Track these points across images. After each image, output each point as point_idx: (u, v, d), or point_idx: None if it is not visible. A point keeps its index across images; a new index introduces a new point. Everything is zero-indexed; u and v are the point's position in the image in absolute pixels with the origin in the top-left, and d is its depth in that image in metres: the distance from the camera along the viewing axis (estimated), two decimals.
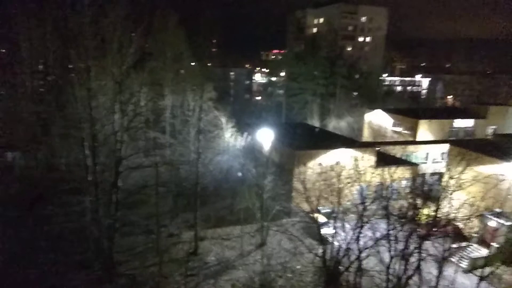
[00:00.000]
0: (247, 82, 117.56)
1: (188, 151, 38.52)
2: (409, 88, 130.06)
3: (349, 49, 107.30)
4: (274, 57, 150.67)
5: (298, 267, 29.07)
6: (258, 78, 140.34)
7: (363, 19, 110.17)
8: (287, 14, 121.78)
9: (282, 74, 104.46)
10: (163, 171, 37.94)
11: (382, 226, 23.24)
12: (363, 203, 23.91)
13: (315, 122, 68.03)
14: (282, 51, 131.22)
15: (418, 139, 51.98)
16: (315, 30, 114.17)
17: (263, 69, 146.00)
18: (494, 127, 55.56)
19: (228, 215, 36.15)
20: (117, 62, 25.61)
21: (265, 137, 41.07)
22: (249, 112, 73.73)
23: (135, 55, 27.31)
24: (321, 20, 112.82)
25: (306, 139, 43.21)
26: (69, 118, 29.16)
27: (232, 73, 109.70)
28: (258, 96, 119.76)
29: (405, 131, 55.04)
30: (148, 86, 41.82)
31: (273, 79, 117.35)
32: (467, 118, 55.86)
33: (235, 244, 31.83)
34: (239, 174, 38.42)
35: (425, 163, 45.30)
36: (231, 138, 41.22)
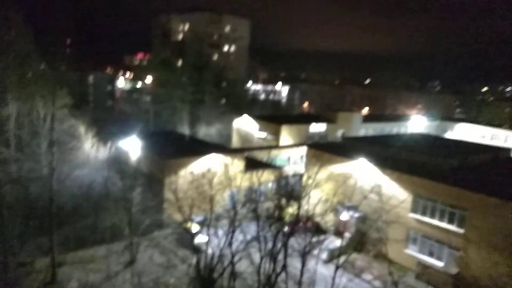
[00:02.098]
0: (109, 87, 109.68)
1: (39, 166, 33.82)
2: (271, 96, 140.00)
3: (215, 57, 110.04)
4: (139, 61, 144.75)
5: (172, 280, 28.09)
6: (122, 83, 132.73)
7: (227, 28, 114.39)
8: (152, 17, 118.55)
9: (149, 79, 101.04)
10: (8, 190, 32.40)
11: (252, 228, 24.12)
12: (234, 207, 24.48)
13: (185, 130, 67.43)
14: (148, 56, 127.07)
15: (280, 143, 56.05)
16: (181, 36, 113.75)
17: (127, 74, 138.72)
18: (342, 130, 63.59)
19: (91, 235, 32.75)
20: None
21: (132, 146, 38.84)
22: (112, 120, 68.74)
23: None
24: (187, 26, 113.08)
25: (176, 147, 42.38)
26: None
27: (91, 78, 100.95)
28: (122, 103, 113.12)
29: (270, 136, 58.79)
30: None
31: (139, 85, 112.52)
32: (321, 123, 62.69)
33: (101, 266, 29.06)
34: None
35: (288, 165, 49.03)
36: (92, 149, 37.73)
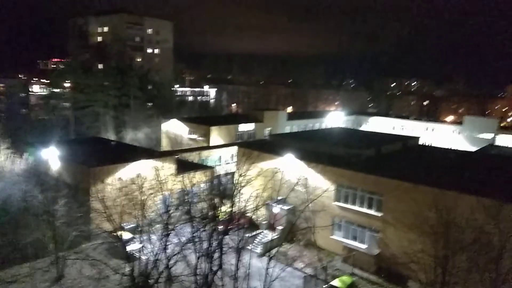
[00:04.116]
0: (23, 95, 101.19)
1: None
2: (199, 98, 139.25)
3: (139, 60, 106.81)
4: (55, 66, 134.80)
5: None
6: (37, 90, 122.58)
7: (150, 31, 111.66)
8: (68, 20, 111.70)
9: (67, 85, 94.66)
10: None
11: (187, 231, 24.26)
12: (167, 211, 24.39)
13: (110, 136, 64.78)
14: (64, 60, 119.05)
15: (211, 144, 56.42)
16: (100, 38, 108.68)
17: (42, 80, 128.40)
18: (269, 128, 65.72)
19: (11, 253, 30.34)
20: None
21: (52, 156, 36.68)
22: (28, 129, 63.74)
23: None
24: (106, 29, 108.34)
25: (102, 154, 40.67)
26: None
27: (1, 86, 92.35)
28: (38, 110, 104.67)
29: (200, 138, 58.86)
30: None
31: (56, 90, 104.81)
32: (249, 122, 64.20)
33: (25, 285, 27.14)
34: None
35: (219, 165, 49.61)
36: (6, 162, 34.85)
